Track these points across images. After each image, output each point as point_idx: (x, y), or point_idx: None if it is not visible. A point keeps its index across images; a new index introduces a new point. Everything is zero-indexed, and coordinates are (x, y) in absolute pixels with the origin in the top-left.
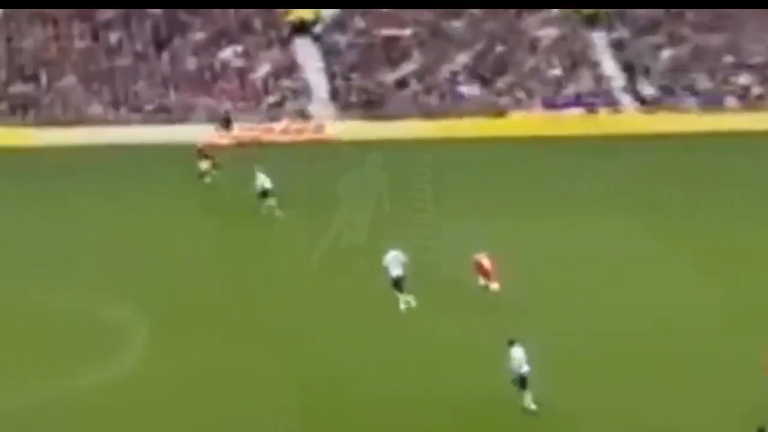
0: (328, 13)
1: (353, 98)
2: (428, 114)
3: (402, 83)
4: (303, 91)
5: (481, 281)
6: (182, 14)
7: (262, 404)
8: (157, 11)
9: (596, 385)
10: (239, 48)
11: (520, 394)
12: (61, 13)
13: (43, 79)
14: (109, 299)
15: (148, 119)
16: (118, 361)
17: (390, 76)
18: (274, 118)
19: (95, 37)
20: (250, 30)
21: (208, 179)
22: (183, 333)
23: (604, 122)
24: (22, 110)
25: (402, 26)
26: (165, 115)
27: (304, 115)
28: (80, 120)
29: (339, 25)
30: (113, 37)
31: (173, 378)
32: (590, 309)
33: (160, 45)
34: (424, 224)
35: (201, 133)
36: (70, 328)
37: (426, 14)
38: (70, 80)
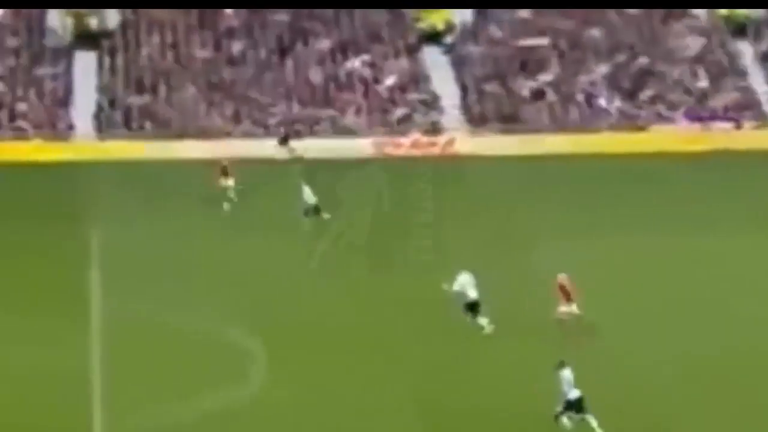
0: (460, 22)
1: (486, 111)
2: (565, 127)
3: (538, 95)
4: (432, 104)
5: (562, 306)
6: (306, 22)
7: (385, 421)
8: (283, 18)
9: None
10: (366, 57)
11: (573, 419)
12: (181, 20)
13: (162, 90)
14: (226, 320)
15: (271, 132)
16: (242, 385)
17: (525, 88)
18: (402, 132)
19: (217, 46)
20: (378, 39)
21: (230, 196)
22: (301, 355)
23: (750, 137)
24: (139, 122)
25: (539, 35)
26: (288, 128)
27: (434, 129)
28: (200, 133)
29: (472, 35)
30: (235, 46)
31: (296, 401)
32: (718, 331)
33: (283, 54)
34: (534, 243)
35: (325, 146)
36: (190, 350)
37: (564, 23)
38: (189, 91)
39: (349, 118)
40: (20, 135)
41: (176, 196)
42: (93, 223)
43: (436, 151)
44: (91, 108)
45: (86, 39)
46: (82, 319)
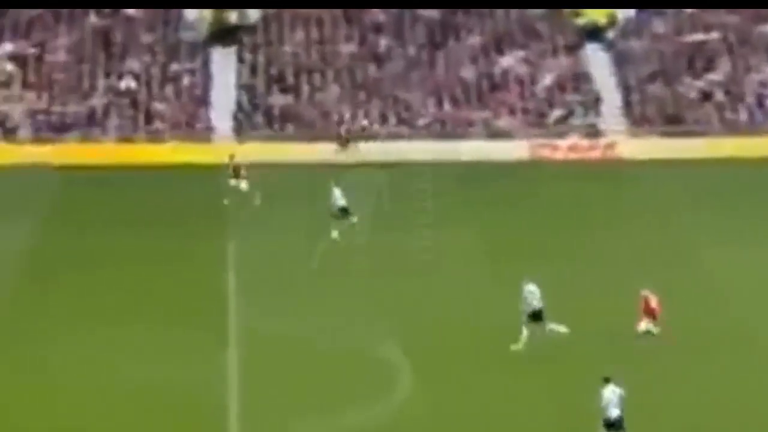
0: (623, 16)
1: (649, 112)
2: (734, 130)
3: (706, 95)
4: (592, 105)
5: (643, 324)
6: (460, 16)
7: None
8: (432, 12)
9: None
10: (522, 54)
11: None
12: (326, 14)
13: (305, 88)
14: (367, 331)
15: (420, 134)
16: (385, 400)
17: (692, 88)
18: (560, 134)
19: (362, 41)
20: (535, 35)
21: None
22: (445, 368)
23: None
24: (280, 123)
25: (707, 31)
26: (438, 129)
27: (594, 131)
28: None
29: (635, 30)
30: (383, 42)
31: (438, 415)
32: None
33: (433, 51)
34: (692, 252)
35: (480, 149)
36: (329, 363)
37: (734, 18)
38: (333, 90)
39: (503, 120)
40: (156, 136)
41: (319, 201)
42: (231, 230)
43: (595, 155)
44: (230, 107)
45: (225, 33)
46: (218, 330)
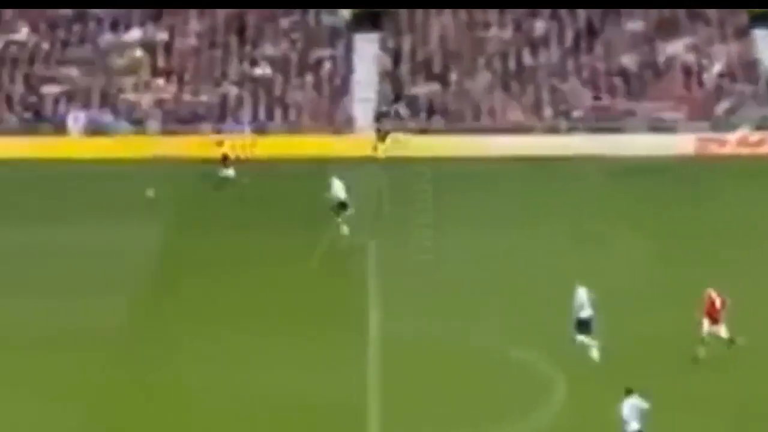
0: None
1: None
2: None
3: None
4: (764, 95)
5: (707, 326)
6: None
7: None
8: None
9: None
10: (688, 41)
11: None
12: None
13: (452, 76)
14: (512, 336)
15: (576, 126)
16: (535, 411)
17: None
18: (729, 127)
19: (517, 26)
20: (702, 19)
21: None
22: (599, 382)
23: None
24: (426, 114)
25: None
26: (595, 121)
27: (765, 124)
28: (496, 127)
29: None
30: (538, 27)
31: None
32: None
33: (592, 37)
34: None
35: (641, 143)
36: (474, 373)
37: None
38: (484, 78)
39: (667, 112)
40: (293, 127)
41: (466, 198)
42: (370, 228)
43: (766, 150)
44: (373, 98)
45: (368, 18)
46: (358, 334)
